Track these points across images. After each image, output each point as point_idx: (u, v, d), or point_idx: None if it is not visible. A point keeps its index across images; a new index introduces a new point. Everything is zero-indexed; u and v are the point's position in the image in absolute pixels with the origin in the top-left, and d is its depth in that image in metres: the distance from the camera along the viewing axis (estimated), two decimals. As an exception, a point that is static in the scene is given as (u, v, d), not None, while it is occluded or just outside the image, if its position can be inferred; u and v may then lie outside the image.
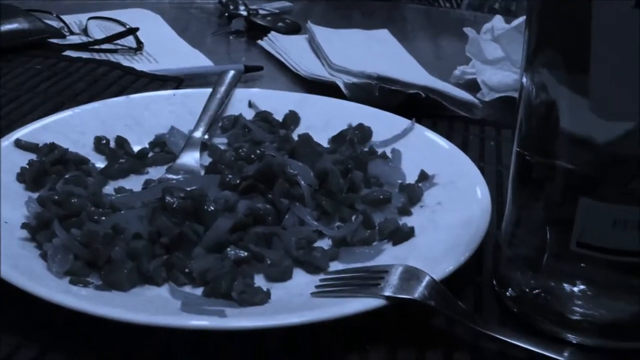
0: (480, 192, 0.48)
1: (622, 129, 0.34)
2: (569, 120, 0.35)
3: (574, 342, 0.38)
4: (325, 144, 0.56)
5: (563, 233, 0.37)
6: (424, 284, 0.39)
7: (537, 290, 0.39)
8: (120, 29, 0.83)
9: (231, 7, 0.95)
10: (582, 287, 0.38)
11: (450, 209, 0.48)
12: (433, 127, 0.62)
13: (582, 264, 0.38)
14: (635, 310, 0.38)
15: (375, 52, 0.80)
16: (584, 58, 0.32)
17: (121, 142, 0.55)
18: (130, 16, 0.89)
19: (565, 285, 0.38)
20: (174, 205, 0.43)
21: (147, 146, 0.56)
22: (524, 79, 0.38)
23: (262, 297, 0.38)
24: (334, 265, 0.44)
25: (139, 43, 0.81)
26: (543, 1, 0.35)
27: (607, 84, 0.33)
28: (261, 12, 0.95)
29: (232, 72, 0.65)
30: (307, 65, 0.76)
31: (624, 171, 0.34)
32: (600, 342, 0.38)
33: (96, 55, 0.79)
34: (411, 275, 0.39)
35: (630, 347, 0.38)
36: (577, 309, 0.39)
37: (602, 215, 0.35)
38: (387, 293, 0.38)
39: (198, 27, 0.98)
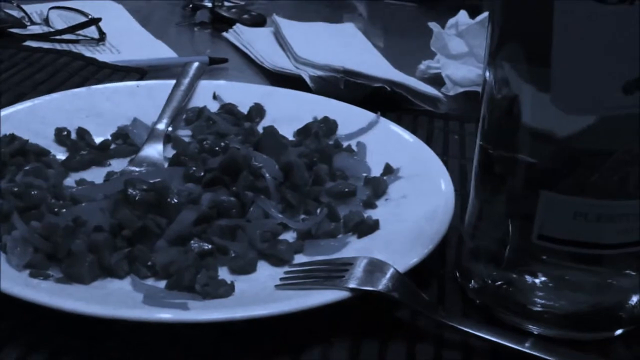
0: (444, 185, 0.49)
1: (582, 123, 0.34)
2: (530, 115, 0.36)
3: (536, 332, 0.39)
4: (290, 137, 0.56)
5: (524, 226, 0.37)
6: (387, 276, 0.39)
7: (499, 282, 0.40)
8: (82, 19, 0.82)
9: (195, -1, 0.94)
10: (543, 279, 0.39)
11: (415, 202, 0.48)
12: (398, 121, 0.63)
13: (543, 256, 0.38)
14: (595, 301, 0.39)
15: (341, 45, 0.80)
16: (546, 52, 0.33)
17: (82, 133, 0.54)
18: (93, 6, 0.88)
19: (527, 277, 0.39)
20: (137, 198, 0.42)
21: (110, 138, 0.55)
22: (487, 74, 0.38)
23: (226, 290, 0.38)
24: (299, 258, 0.43)
25: (102, 34, 0.80)
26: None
27: (568, 77, 0.33)
28: (226, 4, 0.94)
29: (196, 64, 0.65)
30: (273, 57, 0.76)
31: (585, 165, 0.35)
32: (561, 332, 0.39)
33: (57, 46, 0.77)
34: (375, 267, 0.40)
35: (590, 337, 0.39)
36: (539, 300, 0.39)
37: (563, 208, 0.36)
38: (351, 285, 0.38)
39: (162, 18, 0.96)
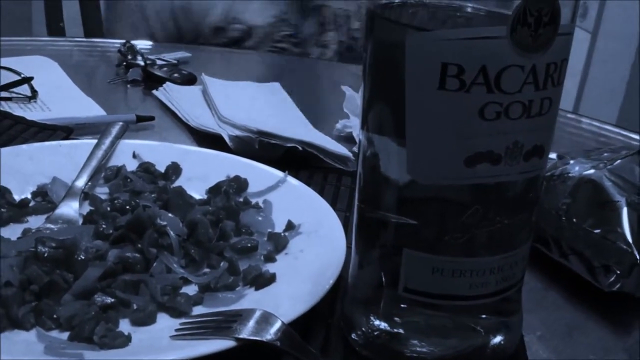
0: (338, 240, 0.53)
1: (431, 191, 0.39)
2: (389, 175, 0.40)
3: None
4: (204, 194, 0.60)
5: (394, 279, 0.42)
6: (275, 327, 0.43)
7: (377, 332, 0.44)
8: (16, 77, 0.85)
9: (129, 57, 0.98)
10: (413, 327, 0.43)
11: (310, 256, 0.52)
12: (310, 178, 0.67)
13: (412, 307, 0.43)
14: (462, 345, 0.43)
15: (264, 104, 0.85)
16: (400, 125, 0.38)
17: (3, 191, 0.57)
18: (28, 63, 0.91)
19: (400, 326, 0.43)
20: (45, 255, 0.45)
21: (29, 196, 0.58)
22: (361, 135, 0.43)
23: (122, 341, 0.42)
24: (199, 310, 0.47)
25: (34, 91, 0.83)
26: (371, 73, 0.41)
27: (419, 152, 0.38)
28: (159, 62, 0.98)
29: (119, 124, 0.68)
30: (198, 116, 0.80)
31: (438, 226, 0.40)
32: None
33: (-11, 103, 0.80)
34: (264, 319, 0.43)
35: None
36: (412, 347, 0.43)
37: (422, 264, 0.40)
38: (239, 335, 0.42)
39: (96, 75, 1.00)
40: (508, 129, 0.37)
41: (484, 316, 0.43)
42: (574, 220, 0.54)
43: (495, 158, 0.38)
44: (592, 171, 0.56)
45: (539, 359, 0.47)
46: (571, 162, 0.59)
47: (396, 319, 0.43)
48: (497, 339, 0.44)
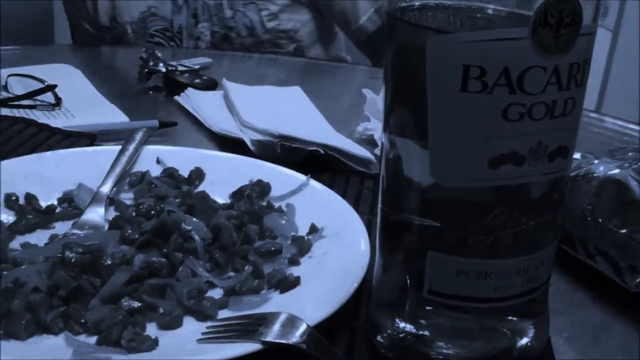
0: (362, 243, 0.53)
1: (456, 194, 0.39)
2: (412, 177, 0.40)
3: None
4: (227, 199, 0.60)
5: (419, 281, 0.42)
6: (300, 329, 0.43)
7: (402, 334, 0.44)
8: (40, 85, 0.86)
9: (151, 64, 0.99)
10: (439, 329, 0.43)
11: (334, 259, 0.52)
12: (332, 181, 0.67)
13: (437, 309, 0.42)
14: (487, 347, 0.43)
15: (285, 109, 0.85)
16: (423, 126, 0.38)
17: (30, 198, 0.58)
18: (52, 71, 0.93)
19: (425, 328, 0.43)
20: (72, 260, 0.46)
21: (56, 202, 0.59)
22: (383, 138, 0.43)
23: (149, 345, 0.42)
24: (224, 313, 0.47)
25: (57, 99, 0.84)
26: (392, 76, 0.41)
27: (442, 154, 0.38)
28: (180, 68, 0.99)
29: (142, 130, 0.69)
30: (219, 121, 0.81)
31: (462, 228, 0.40)
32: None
33: (15, 111, 0.81)
34: (289, 322, 0.44)
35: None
36: (437, 349, 0.43)
37: (447, 266, 0.40)
38: (265, 338, 0.42)
39: (118, 82, 1.01)
40: (531, 129, 0.37)
41: (510, 318, 0.43)
42: (600, 220, 0.54)
43: (519, 159, 0.38)
44: (617, 171, 0.56)
45: (566, 361, 0.47)
46: (595, 161, 0.58)
47: (421, 321, 0.43)
48: (524, 340, 0.43)
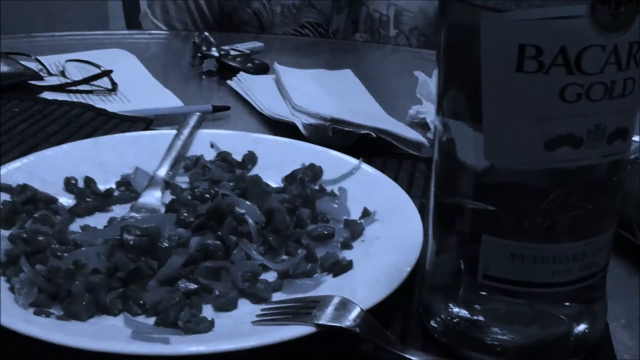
0: (415, 226, 0.53)
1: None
2: (467, 160, 0.40)
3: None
4: (279, 183, 0.61)
5: (473, 266, 0.42)
6: (354, 313, 0.43)
7: (456, 319, 0.44)
8: (97, 70, 0.88)
9: (204, 48, 1.00)
10: (493, 314, 0.43)
11: (387, 243, 0.52)
12: (383, 165, 0.67)
13: (492, 294, 0.42)
14: (543, 333, 0.42)
15: (336, 92, 0.85)
16: (477, 108, 0.37)
17: (88, 182, 0.59)
18: (107, 56, 0.95)
19: (480, 314, 0.43)
20: (131, 242, 0.47)
21: (114, 186, 0.60)
22: (436, 121, 0.42)
23: (206, 326, 0.43)
24: (278, 296, 0.48)
25: (114, 84, 0.86)
26: (445, 57, 0.40)
27: (497, 136, 0.37)
28: (232, 52, 1.00)
29: (196, 115, 0.70)
30: (271, 105, 0.81)
31: (518, 212, 0.39)
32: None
33: (73, 96, 0.83)
34: (342, 305, 0.44)
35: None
36: (492, 335, 0.43)
37: (502, 250, 0.40)
38: (319, 321, 0.42)
39: (172, 67, 1.03)
40: (589, 111, 0.36)
41: (567, 304, 0.42)
42: (660, 204, 0.53)
43: (577, 141, 0.37)
44: (678, 153, 0.54)
45: (625, 348, 0.46)
46: (656, 144, 0.57)
47: (476, 306, 0.43)
48: (581, 327, 0.43)
